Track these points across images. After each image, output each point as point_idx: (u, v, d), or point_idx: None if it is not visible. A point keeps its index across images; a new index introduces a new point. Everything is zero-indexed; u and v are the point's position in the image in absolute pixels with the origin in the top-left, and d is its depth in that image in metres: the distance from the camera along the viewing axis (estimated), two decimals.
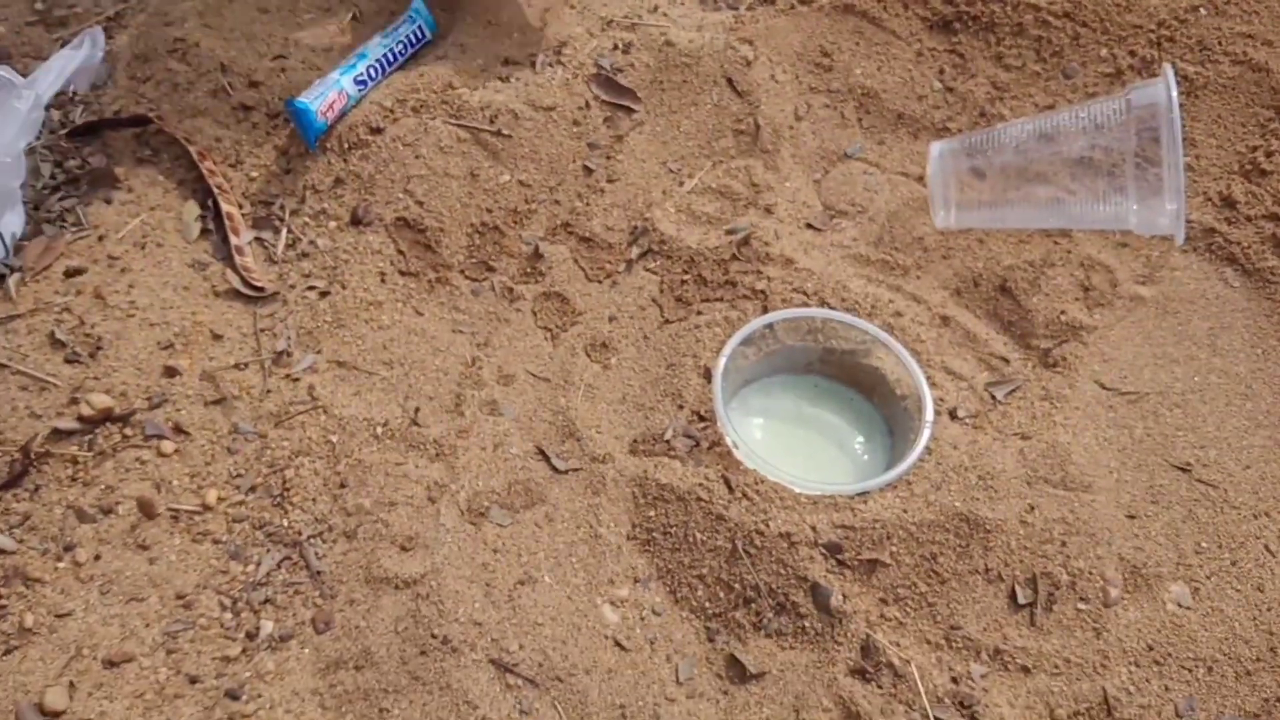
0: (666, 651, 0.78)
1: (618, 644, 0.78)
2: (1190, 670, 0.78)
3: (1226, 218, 1.02)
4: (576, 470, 0.86)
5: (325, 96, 0.99)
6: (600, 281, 0.99)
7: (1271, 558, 0.83)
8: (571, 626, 0.78)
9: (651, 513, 0.83)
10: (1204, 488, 0.86)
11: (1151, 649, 0.78)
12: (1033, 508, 0.83)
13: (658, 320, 0.96)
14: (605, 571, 0.81)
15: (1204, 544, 0.83)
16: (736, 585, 0.80)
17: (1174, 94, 0.88)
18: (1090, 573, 0.80)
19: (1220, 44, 1.09)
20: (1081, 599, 0.80)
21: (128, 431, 0.85)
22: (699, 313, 0.96)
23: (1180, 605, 0.81)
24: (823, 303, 0.95)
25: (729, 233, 1.00)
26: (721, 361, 0.89)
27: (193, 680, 0.75)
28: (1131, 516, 0.84)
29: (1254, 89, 1.06)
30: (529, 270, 0.98)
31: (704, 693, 0.77)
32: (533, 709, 0.75)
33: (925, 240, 1.01)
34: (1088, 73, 1.10)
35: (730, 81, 1.12)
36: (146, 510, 0.81)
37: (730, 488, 0.83)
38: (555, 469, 0.86)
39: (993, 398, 0.91)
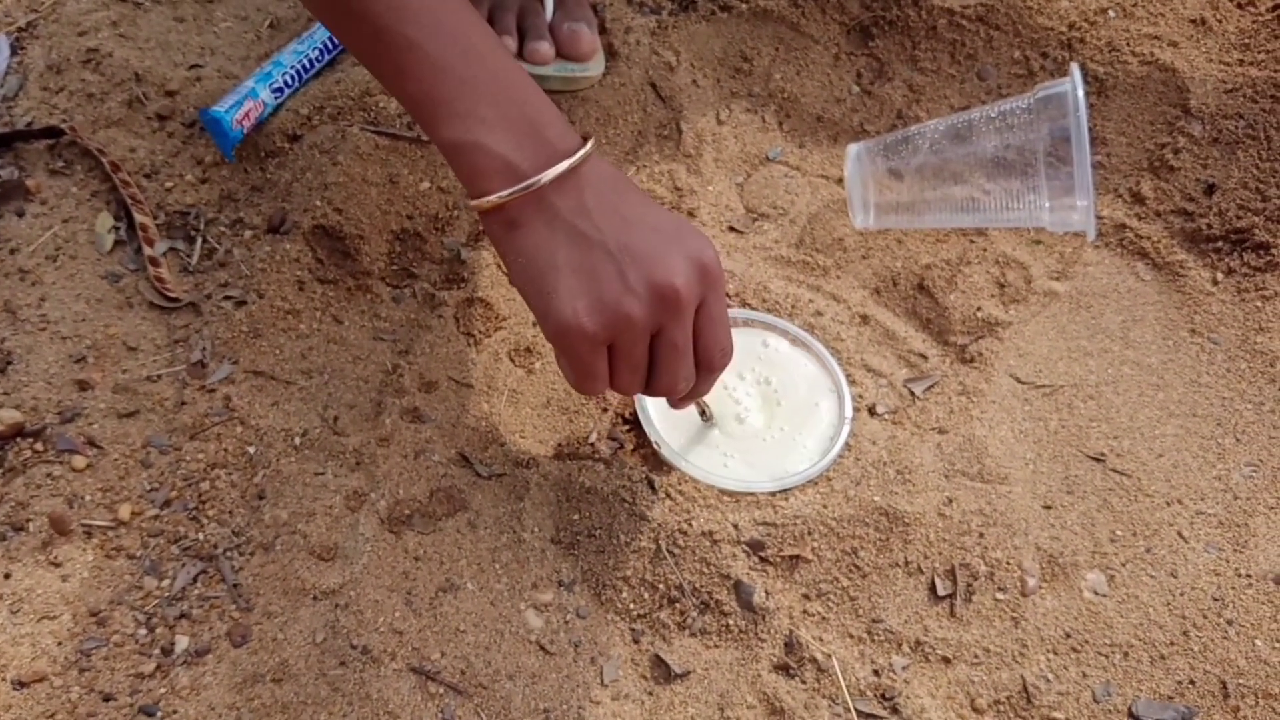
0: (591, 654, 0.78)
1: (541, 648, 0.78)
2: (1106, 656, 0.79)
3: (1137, 213, 1.04)
4: (500, 476, 0.86)
5: (240, 105, 0.98)
6: None
7: (1184, 544, 0.85)
8: (495, 632, 0.78)
9: (575, 516, 0.83)
10: (1118, 477, 0.88)
11: (1069, 636, 0.80)
12: (951, 500, 0.84)
13: None
14: (529, 576, 0.81)
15: (1119, 532, 0.85)
16: (661, 585, 0.80)
17: (1080, 92, 0.90)
18: (1008, 563, 0.82)
19: (1128, 45, 1.11)
20: (1000, 589, 0.81)
21: (39, 447, 0.83)
22: None
23: (1096, 593, 0.82)
24: (744, 304, 0.96)
25: None
26: None
27: (106, 698, 0.73)
28: (1048, 507, 0.85)
29: (1161, 88, 1.09)
30: (451, 276, 0.97)
31: (629, 694, 0.77)
32: (455, 716, 0.74)
33: (845, 241, 1.02)
34: (1001, 74, 1.12)
35: (654, 86, 1.12)
36: (59, 527, 0.79)
37: (653, 488, 0.83)
38: (478, 475, 0.86)
39: (911, 394, 0.92)
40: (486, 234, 0.70)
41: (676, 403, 0.78)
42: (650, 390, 0.73)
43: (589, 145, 0.68)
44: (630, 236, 0.67)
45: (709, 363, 0.72)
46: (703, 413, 0.87)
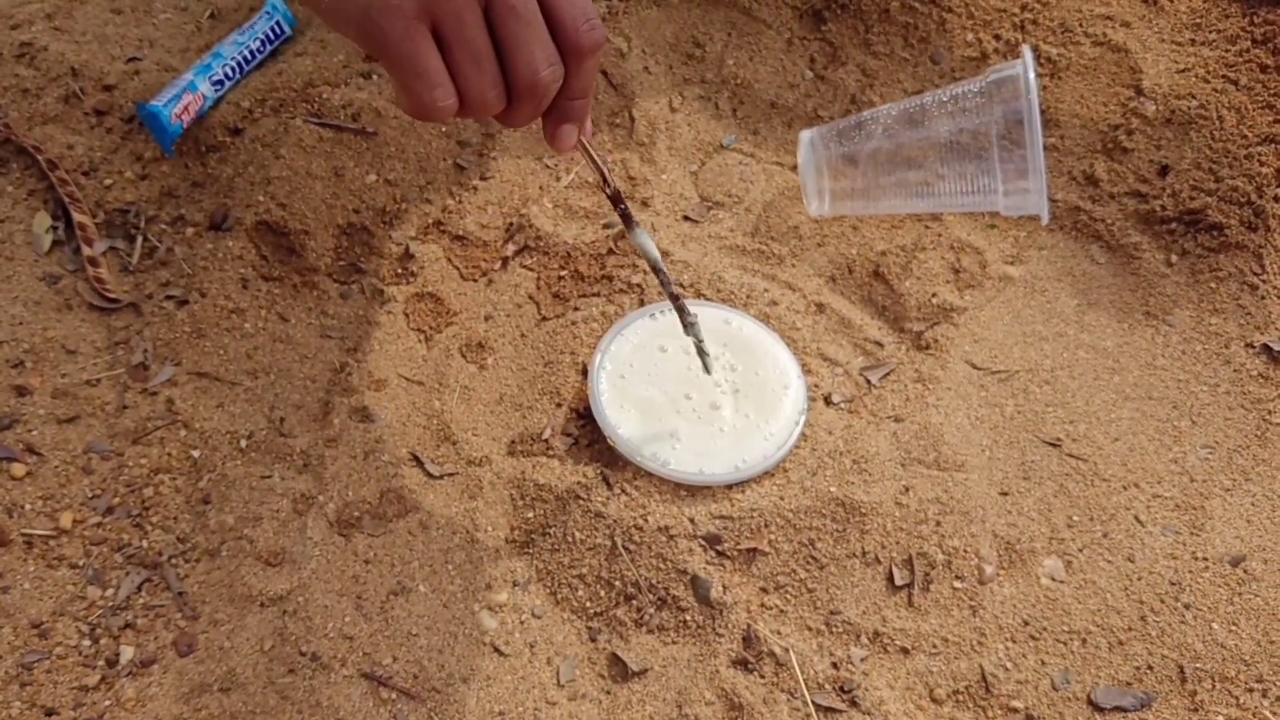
0: (547, 654, 0.77)
1: (496, 650, 0.77)
2: (1065, 643, 0.79)
3: (1090, 195, 1.04)
4: (452, 475, 0.84)
5: (179, 99, 0.95)
6: (475, 280, 0.97)
7: (1141, 528, 0.85)
8: (448, 635, 0.77)
9: (530, 514, 0.82)
10: (1074, 462, 0.88)
11: (1027, 624, 0.79)
12: (907, 489, 0.83)
13: (535, 318, 0.94)
14: (483, 577, 0.80)
15: (1075, 517, 0.85)
16: (617, 583, 0.79)
17: (1031, 75, 0.89)
18: (965, 551, 0.81)
19: (1081, 25, 1.11)
20: (957, 577, 0.81)
21: None
22: (576, 308, 0.94)
23: (1054, 579, 0.82)
24: (699, 294, 0.95)
25: (606, 227, 1.00)
26: (598, 357, 0.88)
27: (49, 713, 0.71)
28: (1004, 493, 0.85)
29: (1114, 69, 1.08)
30: (400, 271, 0.95)
31: (586, 694, 0.76)
32: None
33: (800, 229, 1.01)
34: (954, 58, 1.11)
35: (605, 74, 1.11)
36: None
37: (609, 484, 0.82)
38: (430, 475, 0.84)
39: (867, 382, 0.91)
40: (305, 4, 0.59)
41: (554, 126, 0.62)
42: (510, 85, 0.58)
43: None
44: None
45: (573, 39, 0.58)
46: (701, 353, 0.83)
